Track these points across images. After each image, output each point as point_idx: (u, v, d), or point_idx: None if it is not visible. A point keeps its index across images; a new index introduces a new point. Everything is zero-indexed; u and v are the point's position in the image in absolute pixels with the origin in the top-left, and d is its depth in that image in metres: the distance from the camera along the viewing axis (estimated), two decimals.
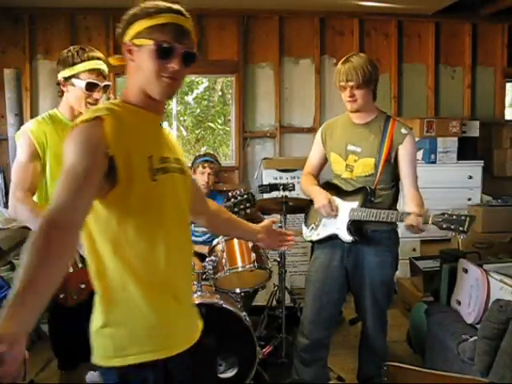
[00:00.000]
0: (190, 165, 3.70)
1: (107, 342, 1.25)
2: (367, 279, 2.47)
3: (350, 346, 3.26)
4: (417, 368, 1.74)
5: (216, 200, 3.55)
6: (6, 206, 4.50)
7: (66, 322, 2.04)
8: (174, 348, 1.30)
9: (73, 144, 1.18)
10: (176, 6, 1.29)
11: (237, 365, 2.65)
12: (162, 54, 1.24)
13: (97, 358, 1.28)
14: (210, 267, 2.81)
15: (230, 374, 2.67)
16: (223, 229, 1.81)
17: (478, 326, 2.44)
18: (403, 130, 2.42)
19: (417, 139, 4.58)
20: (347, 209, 2.42)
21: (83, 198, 1.12)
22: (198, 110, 6.59)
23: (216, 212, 1.72)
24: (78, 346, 2.03)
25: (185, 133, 6.43)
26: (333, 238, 2.47)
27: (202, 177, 3.47)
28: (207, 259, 2.87)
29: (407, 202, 2.39)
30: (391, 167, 2.43)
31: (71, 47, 2.06)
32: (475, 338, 2.38)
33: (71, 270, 1.92)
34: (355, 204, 2.40)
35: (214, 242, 2.92)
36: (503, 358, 2.11)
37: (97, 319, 1.28)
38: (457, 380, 1.70)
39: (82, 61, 2.00)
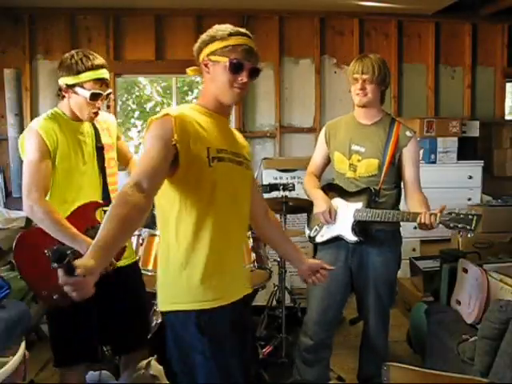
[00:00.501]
0: None
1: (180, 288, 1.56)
2: (371, 279, 2.47)
3: (351, 345, 3.26)
4: (417, 368, 1.74)
5: None
6: (6, 206, 4.50)
7: (66, 320, 2.05)
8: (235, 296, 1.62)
9: (149, 135, 1.51)
10: (243, 30, 1.63)
11: None
12: (235, 69, 1.56)
13: (165, 304, 1.61)
14: None
15: None
16: (272, 242, 1.98)
17: (478, 326, 2.44)
18: (408, 133, 2.44)
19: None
20: (351, 209, 2.42)
21: (156, 175, 1.45)
22: None
23: (271, 222, 1.91)
24: (76, 344, 2.06)
25: None
26: (337, 239, 2.47)
27: None
28: None
29: (413, 203, 2.39)
30: (395, 168, 2.45)
31: (74, 53, 2.02)
32: (475, 337, 2.38)
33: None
34: (359, 205, 2.40)
35: None
36: (503, 358, 2.11)
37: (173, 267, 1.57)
38: (457, 380, 1.69)
39: (87, 69, 1.97)
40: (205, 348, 1.50)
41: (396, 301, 4.09)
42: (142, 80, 6.43)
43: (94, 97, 2.00)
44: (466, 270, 2.77)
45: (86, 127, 2.13)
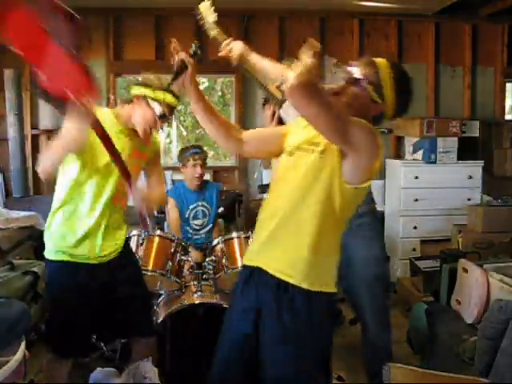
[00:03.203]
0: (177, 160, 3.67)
1: None
2: (360, 275, 2.46)
3: (351, 346, 3.26)
4: (417, 368, 1.74)
5: (211, 189, 3.55)
6: (6, 206, 4.50)
7: (69, 314, 2.11)
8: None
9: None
10: None
11: None
12: None
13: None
14: (210, 267, 2.81)
15: None
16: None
17: (478, 326, 2.44)
18: None
19: (417, 139, 4.64)
20: None
21: None
22: None
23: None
24: (73, 338, 2.11)
25: (185, 133, 6.42)
26: None
27: (194, 169, 3.39)
28: (207, 259, 2.86)
29: None
30: None
31: (161, 75, 2.19)
32: (475, 337, 2.38)
33: None
34: None
35: (214, 242, 2.91)
36: (503, 358, 2.11)
37: None
38: (457, 380, 1.70)
39: (167, 92, 2.10)
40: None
41: (396, 301, 4.09)
42: None
43: (163, 117, 2.11)
44: (466, 270, 2.77)
45: (126, 136, 2.17)
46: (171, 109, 2.13)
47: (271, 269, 1.62)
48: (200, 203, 3.50)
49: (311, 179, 1.57)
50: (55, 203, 2.15)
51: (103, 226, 2.14)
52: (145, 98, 2.10)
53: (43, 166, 1.92)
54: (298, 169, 1.61)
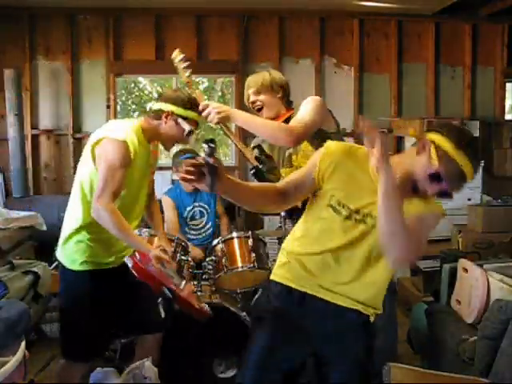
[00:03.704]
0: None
1: None
2: None
3: None
4: (417, 368, 1.74)
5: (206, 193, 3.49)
6: (6, 206, 4.50)
7: (88, 317, 2.12)
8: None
9: None
10: None
11: (237, 365, 2.65)
12: None
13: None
14: (210, 267, 2.81)
15: (230, 373, 2.67)
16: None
17: (478, 326, 2.44)
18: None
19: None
20: None
21: None
22: None
23: None
24: (93, 341, 2.14)
25: None
26: None
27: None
28: (207, 259, 2.86)
29: None
30: None
31: (187, 93, 2.19)
32: (475, 337, 2.38)
33: None
34: None
35: (214, 242, 2.91)
36: (503, 358, 2.11)
37: None
38: (457, 380, 1.70)
39: (195, 110, 2.13)
40: None
41: (396, 301, 4.09)
42: (142, 80, 6.42)
43: (190, 134, 2.18)
44: (466, 270, 2.77)
45: (149, 148, 2.22)
46: (197, 124, 2.20)
47: (346, 303, 1.63)
48: (197, 204, 3.51)
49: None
50: (74, 223, 2.12)
51: None
52: (174, 115, 2.14)
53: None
54: (361, 242, 1.58)
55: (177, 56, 2.13)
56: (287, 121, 2.15)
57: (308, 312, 1.64)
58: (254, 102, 2.31)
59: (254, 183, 1.72)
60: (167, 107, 2.14)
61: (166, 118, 2.14)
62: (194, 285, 2.82)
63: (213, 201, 3.53)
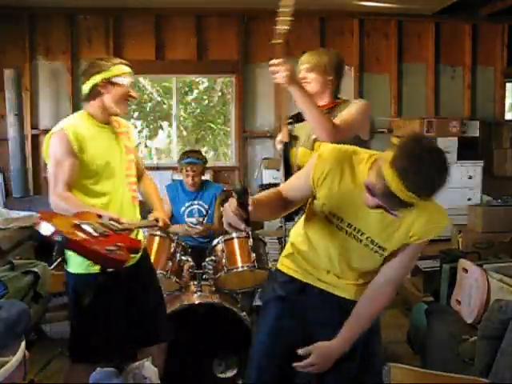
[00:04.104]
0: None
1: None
2: None
3: None
4: (417, 368, 1.74)
5: (211, 189, 3.53)
6: (6, 206, 4.50)
7: (97, 317, 2.11)
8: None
9: None
10: None
11: (237, 365, 2.65)
12: None
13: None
14: (210, 267, 2.81)
15: (230, 373, 2.67)
16: None
17: (478, 326, 2.44)
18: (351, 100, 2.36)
19: None
20: None
21: None
22: (198, 110, 6.58)
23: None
24: (103, 342, 2.12)
25: (185, 133, 6.42)
26: None
27: (187, 178, 3.43)
28: (207, 259, 2.86)
29: None
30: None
31: (97, 58, 2.14)
32: (475, 337, 2.38)
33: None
34: None
35: (214, 242, 2.92)
36: (503, 358, 2.11)
37: None
38: (457, 380, 1.70)
39: (117, 64, 2.10)
40: None
41: (396, 301, 4.09)
42: (142, 80, 6.42)
43: (133, 84, 2.15)
44: (466, 270, 2.77)
45: (112, 130, 2.18)
46: (130, 74, 2.14)
47: (344, 294, 1.69)
48: (196, 202, 3.48)
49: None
50: None
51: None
52: (105, 80, 2.08)
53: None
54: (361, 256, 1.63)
55: (288, 4, 2.11)
56: (329, 111, 2.20)
57: (308, 301, 1.71)
58: (303, 78, 2.35)
59: (261, 196, 1.64)
60: (95, 80, 2.08)
61: (103, 88, 2.08)
62: (194, 285, 2.83)
63: (214, 202, 3.53)
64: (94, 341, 2.14)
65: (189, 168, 3.39)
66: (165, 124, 6.61)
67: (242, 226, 1.38)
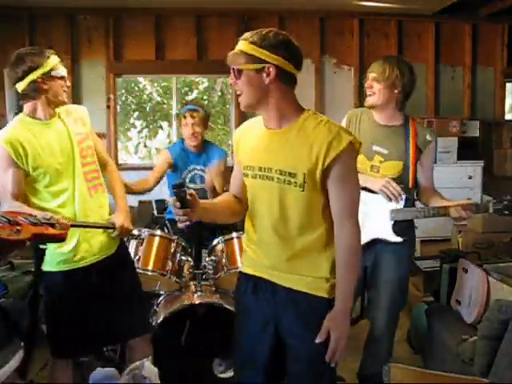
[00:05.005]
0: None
1: None
2: (385, 277, 2.42)
3: (351, 346, 3.22)
4: (417, 368, 1.74)
5: (213, 153, 3.22)
6: None
7: (69, 313, 2.14)
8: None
9: None
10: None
11: None
12: None
13: None
14: (210, 267, 2.80)
15: (230, 373, 2.67)
16: None
17: (478, 326, 2.44)
18: (428, 137, 2.43)
19: None
20: (385, 210, 2.38)
21: None
22: None
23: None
24: (76, 337, 2.14)
25: None
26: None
27: (186, 129, 3.12)
28: (207, 259, 2.86)
29: (436, 200, 2.42)
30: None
31: (24, 50, 2.06)
32: (475, 337, 2.38)
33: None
34: (393, 205, 2.36)
35: (214, 242, 2.91)
36: (503, 358, 2.11)
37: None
38: (457, 380, 1.70)
39: (49, 56, 2.05)
40: None
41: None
42: (142, 80, 6.42)
43: (63, 78, 2.09)
44: (466, 270, 2.77)
45: (58, 124, 2.12)
46: (61, 62, 2.11)
47: (297, 286, 1.64)
48: (198, 167, 3.21)
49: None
50: None
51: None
52: (46, 76, 2.02)
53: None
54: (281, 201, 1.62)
55: None
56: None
57: (261, 299, 1.70)
58: (369, 87, 2.38)
59: (217, 199, 1.86)
60: (34, 76, 2.01)
61: (43, 84, 2.02)
62: (194, 285, 2.83)
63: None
64: (69, 337, 2.15)
65: (188, 115, 3.11)
66: (165, 124, 6.62)
67: (182, 218, 1.52)
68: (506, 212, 2.27)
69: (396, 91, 2.39)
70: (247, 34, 1.59)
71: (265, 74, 1.56)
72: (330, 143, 1.52)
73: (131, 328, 2.30)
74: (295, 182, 1.57)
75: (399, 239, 2.37)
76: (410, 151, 2.39)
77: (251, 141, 1.71)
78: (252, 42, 1.56)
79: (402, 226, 2.42)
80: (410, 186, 2.41)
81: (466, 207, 2.29)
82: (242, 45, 1.58)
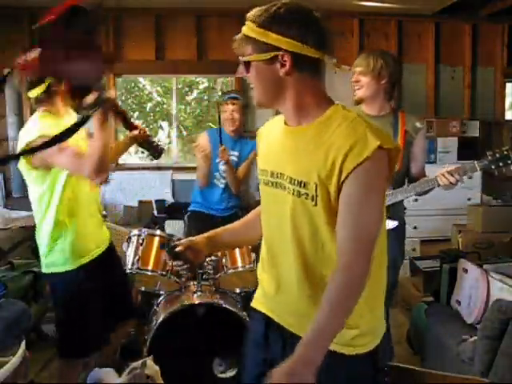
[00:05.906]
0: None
1: None
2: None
3: None
4: (417, 368, 1.74)
5: (246, 144, 3.52)
6: (6, 206, 4.50)
7: (81, 313, 2.17)
8: None
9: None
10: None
11: (237, 365, 2.65)
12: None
13: None
14: (210, 267, 2.81)
15: (230, 373, 2.67)
16: None
17: (478, 326, 2.44)
18: (418, 124, 2.47)
19: None
20: None
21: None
22: (198, 110, 6.59)
23: None
24: (90, 336, 2.19)
25: (185, 133, 6.43)
26: None
27: (226, 115, 3.45)
28: (207, 259, 2.86)
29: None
30: (406, 158, 2.50)
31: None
32: (475, 337, 2.38)
33: None
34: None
35: None
36: (503, 358, 2.11)
37: None
38: (457, 380, 1.70)
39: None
40: None
41: (396, 301, 4.09)
42: (142, 80, 6.42)
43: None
44: (466, 270, 2.77)
45: (67, 120, 2.17)
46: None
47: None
48: (233, 153, 3.48)
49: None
50: (51, 221, 2.12)
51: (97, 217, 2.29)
52: (54, 86, 2.09)
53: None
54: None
55: None
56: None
57: (271, 345, 1.41)
58: (356, 81, 2.41)
59: (238, 222, 1.63)
60: (43, 86, 2.06)
61: (55, 87, 2.07)
62: (193, 285, 2.83)
63: (244, 158, 3.53)
64: (84, 336, 2.19)
65: (230, 102, 3.46)
66: (165, 124, 6.62)
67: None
68: (494, 166, 2.29)
69: (383, 82, 2.40)
70: (254, 12, 1.29)
71: (279, 65, 1.24)
72: (351, 149, 1.17)
73: (129, 310, 2.50)
74: (306, 194, 1.23)
75: (395, 223, 2.38)
76: (398, 137, 2.43)
77: (270, 141, 1.42)
78: (259, 25, 1.26)
79: (394, 210, 2.43)
80: (398, 168, 2.40)
81: (453, 171, 2.30)
82: (247, 27, 1.29)
